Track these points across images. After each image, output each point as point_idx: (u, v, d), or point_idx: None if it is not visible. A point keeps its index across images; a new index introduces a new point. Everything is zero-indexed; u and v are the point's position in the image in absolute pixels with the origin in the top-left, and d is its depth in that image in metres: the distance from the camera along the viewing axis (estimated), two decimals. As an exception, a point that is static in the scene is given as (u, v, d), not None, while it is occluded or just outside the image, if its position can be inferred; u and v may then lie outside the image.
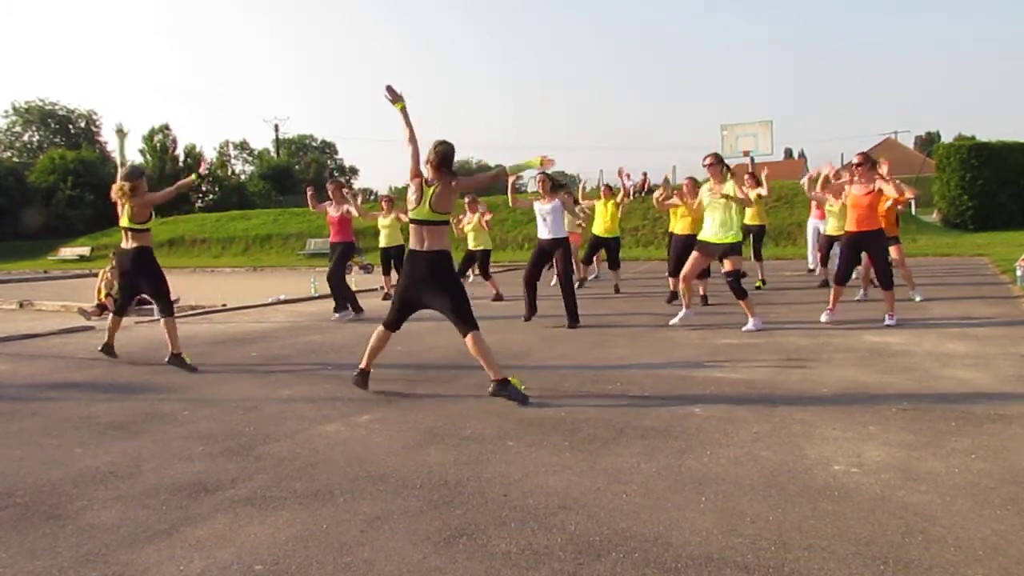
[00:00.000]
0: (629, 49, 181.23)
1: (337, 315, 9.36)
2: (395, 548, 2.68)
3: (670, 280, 9.64)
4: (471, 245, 11.42)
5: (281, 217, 32.91)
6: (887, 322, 7.26)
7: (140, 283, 6.53)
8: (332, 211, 9.59)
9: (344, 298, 9.47)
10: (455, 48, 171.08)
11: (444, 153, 4.84)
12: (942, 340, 6.30)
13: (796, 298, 9.95)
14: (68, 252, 33.93)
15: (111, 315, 6.91)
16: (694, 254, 7.52)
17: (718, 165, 7.35)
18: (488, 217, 11.24)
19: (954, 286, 10.70)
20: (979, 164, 22.79)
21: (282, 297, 12.18)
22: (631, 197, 12.95)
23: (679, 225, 9.58)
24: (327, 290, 9.87)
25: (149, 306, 11.09)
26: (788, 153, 73.04)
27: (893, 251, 9.12)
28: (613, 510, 2.94)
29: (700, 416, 4.23)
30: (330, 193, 9.73)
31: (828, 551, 2.53)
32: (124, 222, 6.35)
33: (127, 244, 6.39)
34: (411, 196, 4.92)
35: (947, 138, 49.21)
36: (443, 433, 4.09)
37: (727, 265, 7.42)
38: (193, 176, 7.09)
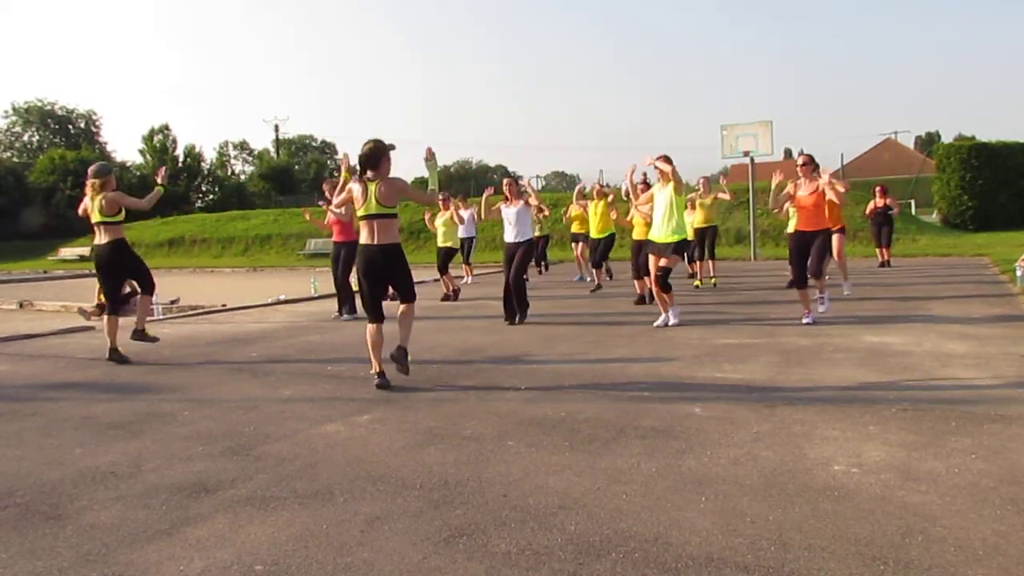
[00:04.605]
0: (629, 49, 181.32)
1: (343, 316, 9.41)
2: (395, 548, 2.68)
3: (635, 283, 9.85)
4: (441, 242, 12.01)
5: (281, 217, 32.89)
6: (804, 320, 7.40)
7: (122, 272, 6.74)
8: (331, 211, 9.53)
9: (349, 298, 9.48)
10: (455, 48, 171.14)
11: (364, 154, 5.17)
12: (942, 340, 6.29)
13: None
14: (68, 252, 33.95)
15: (106, 317, 6.85)
16: (650, 256, 7.74)
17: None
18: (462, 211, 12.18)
19: (954, 286, 10.70)
20: (979, 164, 22.78)
21: (282, 297, 12.18)
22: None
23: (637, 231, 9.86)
24: (327, 290, 9.93)
25: (149, 306, 11.12)
26: (788, 153, 72.90)
27: (836, 241, 9.68)
28: (613, 510, 2.94)
29: (700, 416, 4.23)
30: (326, 192, 9.62)
31: (828, 551, 2.53)
32: (96, 217, 6.55)
33: (100, 239, 6.56)
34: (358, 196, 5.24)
35: (947, 138, 49.25)
36: (443, 433, 4.09)
37: (664, 262, 7.55)
38: (158, 188, 7.01)
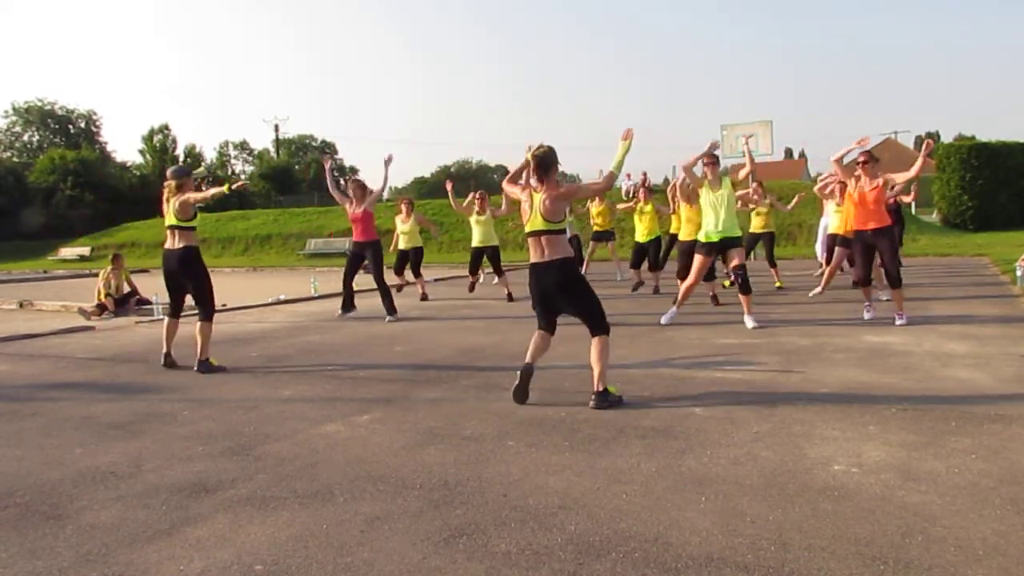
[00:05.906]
0: (629, 49, 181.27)
1: (389, 317, 9.02)
2: (395, 548, 2.68)
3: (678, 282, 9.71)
4: (403, 245, 11.71)
5: (281, 217, 32.89)
6: (898, 322, 7.17)
7: (186, 283, 6.39)
8: (354, 209, 9.20)
9: (388, 297, 9.19)
10: (455, 48, 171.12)
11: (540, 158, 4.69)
12: (942, 340, 6.29)
13: (796, 298, 9.94)
14: (68, 252, 33.90)
15: (166, 319, 6.57)
16: (696, 257, 7.72)
17: (716, 165, 7.63)
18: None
19: (954, 286, 10.70)
20: (979, 164, 22.77)
21: (282, 297, 12.18)
22: (630, 196, 13.04)
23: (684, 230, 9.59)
24: (327, 290, 9.89)
25: (149, 306, 11.12)
26: (788, 153, 73.13)
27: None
28: (613, 510, 2.94)
29: (700, 416, 4.23)
30: (350, 192, 9.32)
31: (828, 551, 2.53)
32: (170, 220, 6.28)
33: (173, 244, 6.29)
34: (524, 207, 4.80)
35: (947, 138, 49.25)
36: (443, 433, 4.09)
37: (735, 260, 7.57)
38: (224, 188, 6.71)
